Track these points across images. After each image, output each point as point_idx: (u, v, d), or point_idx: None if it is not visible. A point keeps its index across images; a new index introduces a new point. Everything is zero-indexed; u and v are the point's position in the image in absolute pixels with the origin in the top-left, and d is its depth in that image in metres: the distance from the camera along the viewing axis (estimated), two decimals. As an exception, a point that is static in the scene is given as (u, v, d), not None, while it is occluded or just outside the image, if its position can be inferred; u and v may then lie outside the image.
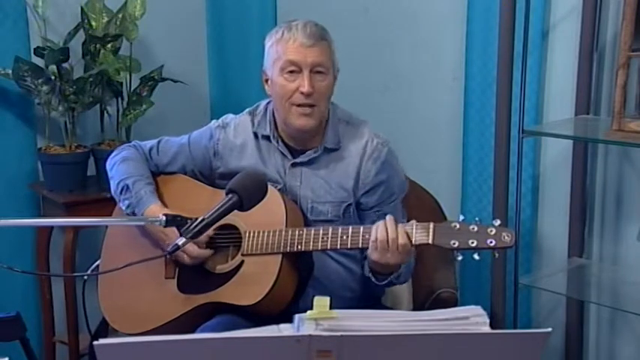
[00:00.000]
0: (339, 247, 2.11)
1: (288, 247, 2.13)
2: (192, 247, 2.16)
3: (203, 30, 3.49)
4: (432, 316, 1.39)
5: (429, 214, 2.38)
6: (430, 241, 2.01)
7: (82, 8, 2.93)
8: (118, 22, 2.97)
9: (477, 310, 1.40)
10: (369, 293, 2.31)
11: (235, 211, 1.95)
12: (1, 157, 3.01)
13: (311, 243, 2.12)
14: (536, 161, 2.67)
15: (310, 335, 1.32)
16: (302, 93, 2.16)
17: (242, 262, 2.17)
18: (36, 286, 3.12)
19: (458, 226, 2.00)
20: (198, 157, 2.35)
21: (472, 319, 1.39)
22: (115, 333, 2.27)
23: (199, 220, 1.90)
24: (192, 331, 2.09)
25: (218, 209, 1.92)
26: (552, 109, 2.63)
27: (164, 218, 1.91)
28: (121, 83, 3.02)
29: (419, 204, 2.53)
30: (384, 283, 2.17)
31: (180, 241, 1.88)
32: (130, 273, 2.00)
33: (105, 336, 2.13)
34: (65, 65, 2.93)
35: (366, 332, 1.35)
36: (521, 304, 2.56)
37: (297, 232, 2.13)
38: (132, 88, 3.04)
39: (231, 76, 3.44)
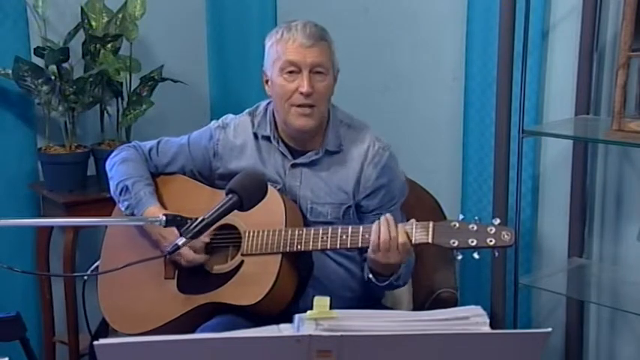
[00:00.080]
0: (338, 246, 2.10)
1: (288, 247, 2.13)
2: (187, 251, 2.16)
3: (203, 30, 3.49)
4: (432, 316, 1.39)
5: (429, 214, 2.37)
6: (430, 240, 2.01)
7: (82, 8, 2.93)
8: (118, 22, 2.97)
9: (477, 310, 1.40)
10: (369, 293, 2.31)
11: (235, 211, 1.95)
12: (1, 157, 3.01)
13: (311, 243, 2.12)
14: (536, 161, 2.67)
15: (310, 335, 1.32)
16: (301, 93, 2.16)
17: (242, 262, 2.17)
18: (36, 286, 3.12)
19: (457, 225, 2.00)
20: (198, 158, 2.35)
21: (472, 319, 1.39)
22: (115, 333, 2.26)
23: (199, 220, 1.90)
24: (192, 331, 2.09)
25: (218, 209, 1.92)
26: (552, 109, 2.63)
27: (164, 218, 1.90)
28: (121, 83, 3.02)
29: (419, 204, 2.53)
30: (384, 284, 2.16)
31: (180, 241, 1.88)
32: (129, 273, 2.00)
33: (105, 336, 2.12)
34: (65, 65, 2.93)
35: (366, 332, 1.35)
36: (521, 304, 2.56)
37: (296, 232, 2.13)
38: (132, 88, 3.04)
39: (231, 76, 3.44)
